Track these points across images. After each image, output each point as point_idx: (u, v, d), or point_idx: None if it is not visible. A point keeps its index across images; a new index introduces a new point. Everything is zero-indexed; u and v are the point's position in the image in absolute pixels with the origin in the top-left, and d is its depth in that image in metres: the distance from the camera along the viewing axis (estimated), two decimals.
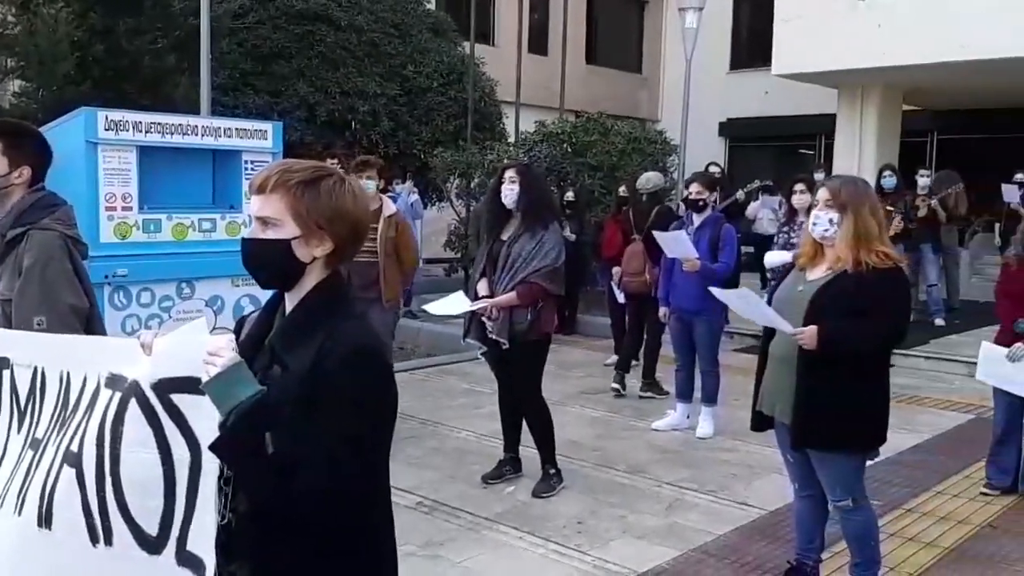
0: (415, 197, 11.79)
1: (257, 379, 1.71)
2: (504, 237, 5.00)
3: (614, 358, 7.99)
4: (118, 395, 1.85)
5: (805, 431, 3.40)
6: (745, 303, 3.65)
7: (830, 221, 3.34)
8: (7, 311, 2.94)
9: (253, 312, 1.99)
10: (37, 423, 2.03)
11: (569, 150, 11.35)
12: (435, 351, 9.14)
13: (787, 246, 6.40)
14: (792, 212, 6.76)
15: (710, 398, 6.27)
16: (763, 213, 11.56)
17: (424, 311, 5.90)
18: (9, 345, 2.16)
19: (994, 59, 11.22)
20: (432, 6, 15.50)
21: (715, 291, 4.05)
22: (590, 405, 7.05)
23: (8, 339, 2.22)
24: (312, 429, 1.67)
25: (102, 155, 5.42)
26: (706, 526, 4.57)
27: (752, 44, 19.36)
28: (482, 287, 5.06)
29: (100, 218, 5.41)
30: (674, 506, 4.88)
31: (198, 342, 1.76)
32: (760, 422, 3.69)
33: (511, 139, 13.29)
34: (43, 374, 2.04)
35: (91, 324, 3.10)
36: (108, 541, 1.85)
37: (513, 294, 4.85)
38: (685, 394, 6.43)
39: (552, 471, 5.08)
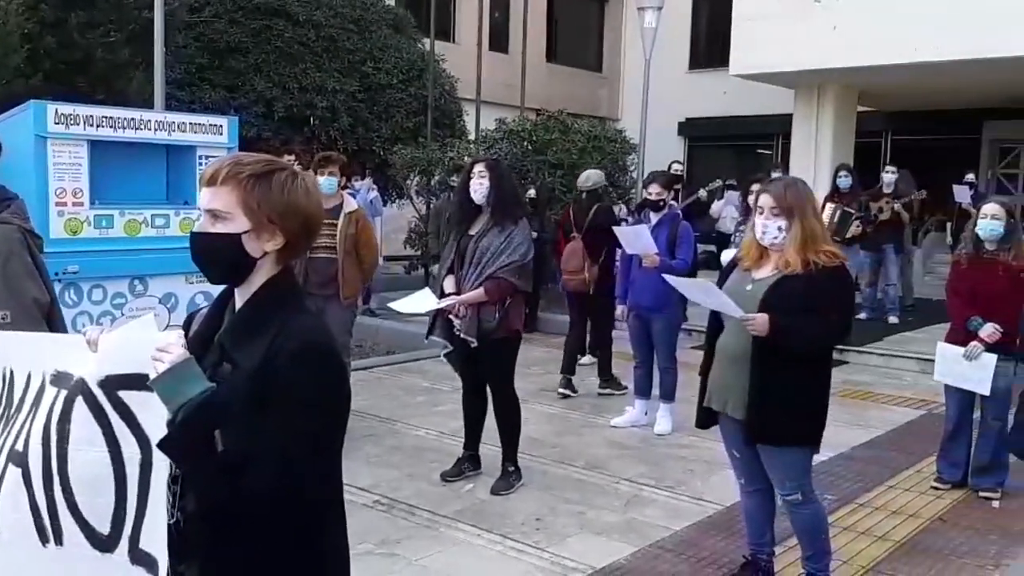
0: (374, 194, 11.72)
1: (207, 376, 1.68)
2: (472, 232, 4.93)
3: (586, 358, 8.01)
4: (64, 393, 1.82)
5: (760, 426, 3.44)
6: (703, 292, 3.62)
7: (779, 228, 3.39)
8: None
9: (203, 308, 1.96)
10: None
11: (529, 148, 11.36)
12: (395, 349, 9.09)
13: None
14: (749, 211, 6.83)
15: (668, 395, 6.31)
16: (727, 211, 11.69)
17: (389, 308, 5.84)
18: None
19: (945, 61, 11.45)
20: (392, 2, 15.42)
21: (670, 278, 4.05)
22: (550, 402, 7.07)
23: None
24: (262, 427, 1.65)
25: (52, 149, 5.30)
26: (664, 521, 4.60)
27: (711, 44, 19.54)
28: (449, 283, 4.99)
29: (50, 214, 5.30)
30: (632, 502, 4.90)
31: (146, 338, 1.73)
32: (706, 419, 3.72)
33: (472, 136, 13.27)
34: None
35: (51, 318, 3.04)
36: (59, 541, 1.83)
37: (481, 290, 4.79)
38: (643, 391, 6.46)
39: (511, 468, 5.08)
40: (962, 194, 11.51)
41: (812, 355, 3.45)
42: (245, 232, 1.75)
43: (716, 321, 3.63)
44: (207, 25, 12.19)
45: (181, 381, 1.64)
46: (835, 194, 9.48)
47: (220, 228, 1.75)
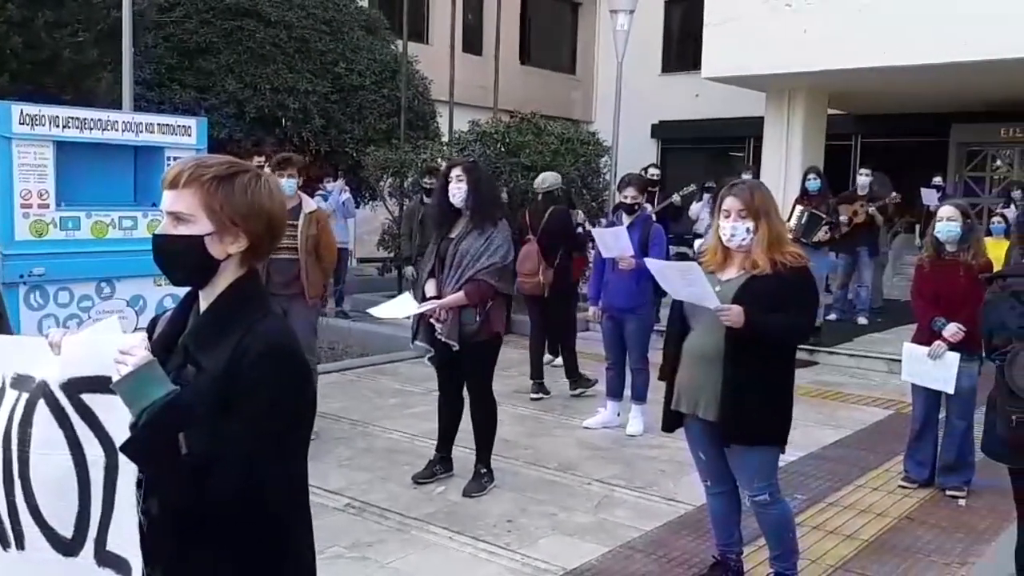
0: (347, 195, 11.66)
1: (171, 379, 1.67)
2: (452, 235, 4.93)
3: (548, 357, 8.01)
4: (25, 396, 1.80)
5: (734, 426, 3.46)
6: (682, 276, 3.53)
7: (747, 230, 3.43)
8: None
9: (168, 311, 1.94)
10: None
11: (503, 150, 11.35)
12: (367, 351, 9.06)
13: None
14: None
15: (640, 396, 6.34)
16: (705, 213, 11.77)
17: (365, 313, 5.83)
18: None
19: (914, 65, 11.60)
20: (365, 3, 15.36)
21: (650, 262, 4.02)
22: (523, 404, 7.07)
23: None
24: (227, 429, 1.64)
25: (17, 150, 5.24)
26: (635, 522, 4.62)
27: (683, 47, 19.66)
28: (430, 287, 4.98)
29: (15, 215, 5.24)
30: (603, 503, 4.92)
31: (110, 341, 1.72)
32: (673, 422, 3.74)
33: (445, 138, 13.24)
34: None
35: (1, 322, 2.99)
36: (20, 545, 1.81)
37: (461, 294, 4.78)
38: (615, 392, 6.48)
39: (484, 471, 5.07)
40: (930, 197, 11.65)
41: (783, 349, 3.50)
42: (208, 234, 1.74)
43: (679, 324, 3.64)
44: (177, 25, 12.07)
45: (144, 384, 1.63)
46: (804, 196, 9.56)
47: (183, 230, 1.74)
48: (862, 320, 10.32)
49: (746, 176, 9.94)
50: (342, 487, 4.99)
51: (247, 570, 1.75)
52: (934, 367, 4.94)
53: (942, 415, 5.19)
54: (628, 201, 6.30)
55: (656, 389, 6.38)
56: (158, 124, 5.94)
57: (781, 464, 4.08)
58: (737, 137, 19.02)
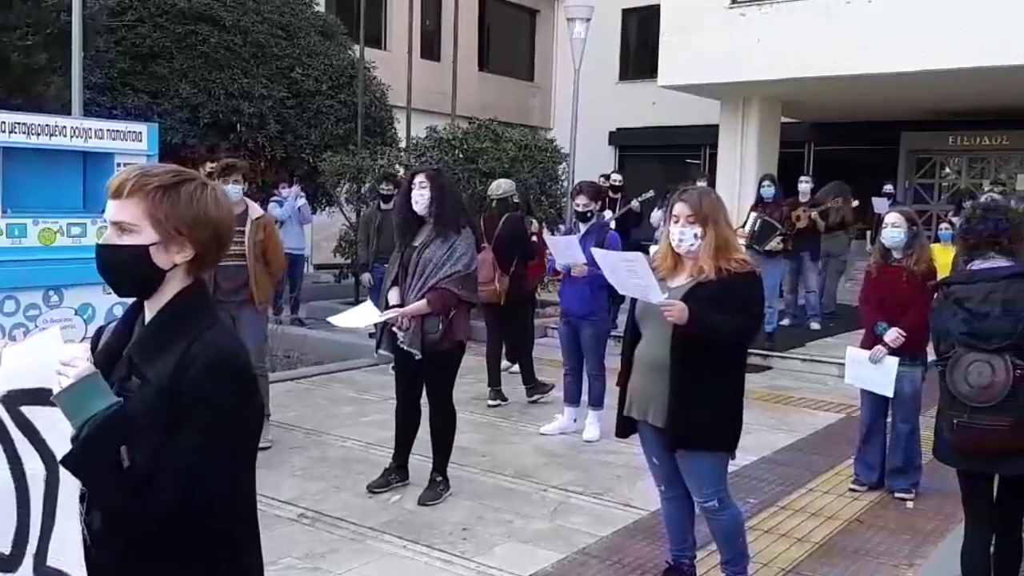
0: (303, 201, 11.57)
1: (114, 390, 1.65)
2: (416, 243, 4.90)
3: (506, 363, 8.00)
4: None
5: (681, 432, 3.49)
6: (628, 268, 3.56)
7: (695, 236, 3.46)
8: None
9: (113, 321, 1.91)
10: None
11: (461, 156, 11.36)
12: (323, 359, 8.99)
13: None
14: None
15: (596, 402, 6.36)
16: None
17: (324, 320, 5.79)
18: None
19: (865, 75, 11.84)
20: (322, 8, 15.27)
21: (597, 252, 4.01)
22: (480, 411, 7.06)
23: None
24: (171, 441, 1.62)
25: None
26: (590, 528, 4.64)
27: (640, 55, 19.86)
28: (393, 295, 4.95)
29: None
30: (559, 509, 4.93)
31: (50, 352, 1.69)
32: (626, 428, 3.77)
33: (403, 144, 13.21)
34: None
35: None
36: None
37: (423, 302, 4.75)
38: (573, 398, 6.51)
39: (439, 479, 5.05)
40: (881, 205, 11.86)
41: (730, 355, 3.52)
42: (153, 244, 1.72)
43: (634, 331, 3.68)
44: (129, 29, 11.89)
45: (86, 396, 1.60)
46: (759, 203, 9.68)
47: (127, 240, 1.72)
48: (815, 325, 10.48)
49: (700, 183, 10.04)
50: (295, 497, 4.95)
51: None
52: (875, 371, 5.04)
53: (890, 419, 5.29)
54: (580, 209, 6.32)
55: (612, 394, 6.44)
56: (108, 130, 5.85)
57: (733, 468, 4.14)
58: (694, 145, 19.21)
